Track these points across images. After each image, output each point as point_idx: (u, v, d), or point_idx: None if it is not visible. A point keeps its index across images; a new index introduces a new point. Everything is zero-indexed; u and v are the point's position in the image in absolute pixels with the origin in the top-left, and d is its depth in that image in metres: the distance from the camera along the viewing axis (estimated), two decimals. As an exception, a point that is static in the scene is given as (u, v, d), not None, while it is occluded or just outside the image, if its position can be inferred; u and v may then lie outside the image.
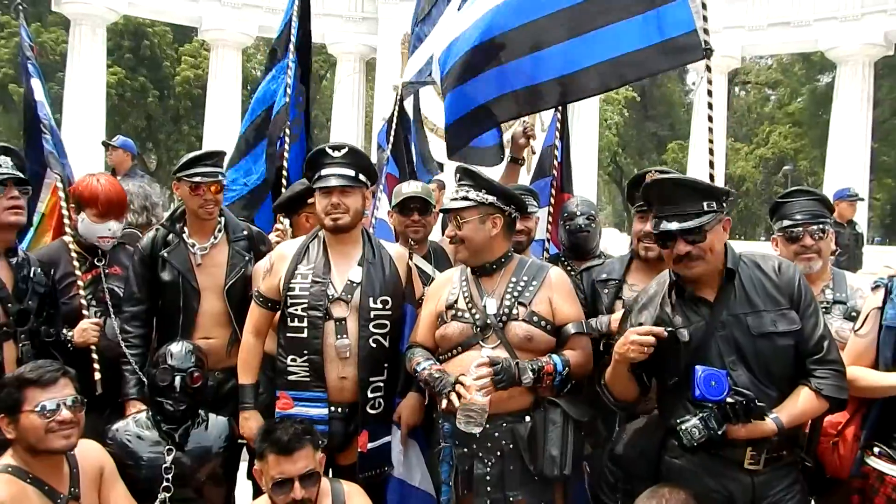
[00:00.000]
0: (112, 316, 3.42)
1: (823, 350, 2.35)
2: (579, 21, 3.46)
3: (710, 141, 3.28)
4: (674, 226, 2.36)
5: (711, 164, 3.26)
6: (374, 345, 2.92)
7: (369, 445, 2.89)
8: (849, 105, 16.04)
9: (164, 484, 2.83)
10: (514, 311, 2.72)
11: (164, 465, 2.86)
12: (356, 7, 15.35)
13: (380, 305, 2.94)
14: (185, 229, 3.46)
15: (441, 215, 3.54)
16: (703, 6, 3.16)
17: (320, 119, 29.66)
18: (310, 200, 3.44)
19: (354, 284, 2.96)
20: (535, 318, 2.72)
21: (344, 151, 3.01)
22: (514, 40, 3.65)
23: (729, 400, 2.22)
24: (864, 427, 2.49)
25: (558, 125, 4.25)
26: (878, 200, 26.37)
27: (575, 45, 3.47)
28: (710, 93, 3.31)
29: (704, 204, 2.36)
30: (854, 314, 2.84)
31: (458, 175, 2.89)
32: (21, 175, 3.09)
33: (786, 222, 3.05)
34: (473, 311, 2.76)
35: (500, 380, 2.54)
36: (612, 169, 30.96)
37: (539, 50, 3.58)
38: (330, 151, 3.02)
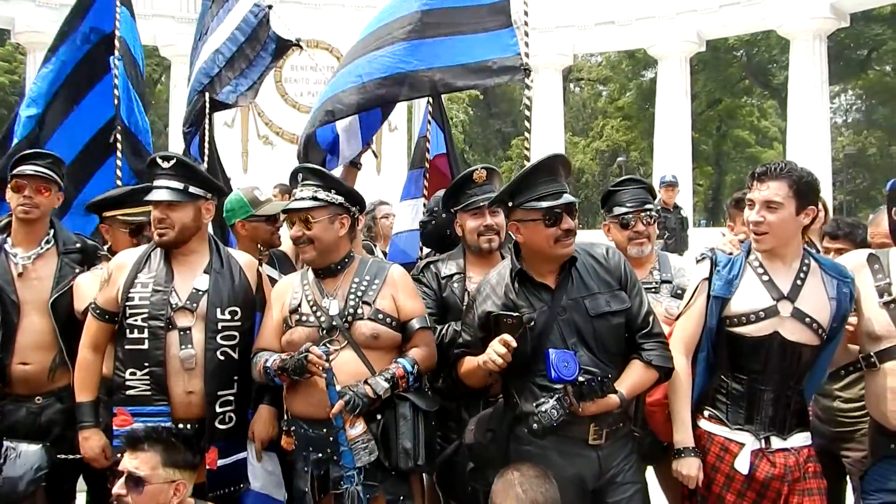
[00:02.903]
0: None
1: (650, 325, 2.57)
2: (421, 28, 3.68)
3: (527, 149, 3.80)
4: (567, 199, 2.49)
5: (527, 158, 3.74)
6: (221, 357, 2.81)
7: (220, 462, 2.77)
8: (670, 98, 17.34)
9: None
10: (360, 311, 2.73)
11: None
12: (188, 7, 14.67)
13: (228, 316, 2.85)
14: (9, 239, 3.21)
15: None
16: (526, 34, 3.61)
17: (157, 126, 28.10)
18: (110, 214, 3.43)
19: (200, 293, 2.85)
20: (381, 316, 2.75)
21: (172, 163, 2.88)
22: (366, 42, 3.81)
23: (580, 379, 2.33)
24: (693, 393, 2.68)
25: (430, 117, 4.37)
26: (700, 186, 28.74)
27: (412, 47, 3.66)
28: (528, 108, 3.86)
29: (566, 185, 2.55)
30: (679, 292, 3.10)
31: (301, 175, 2.86)
32: None
33: (618, 209, 3.28)
34: (318, 313, 2.74)
35: (355, 406, 2.55)
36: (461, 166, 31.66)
37: (381, 48, 3.74)
38: (160, 161, 2.89)
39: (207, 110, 4.40)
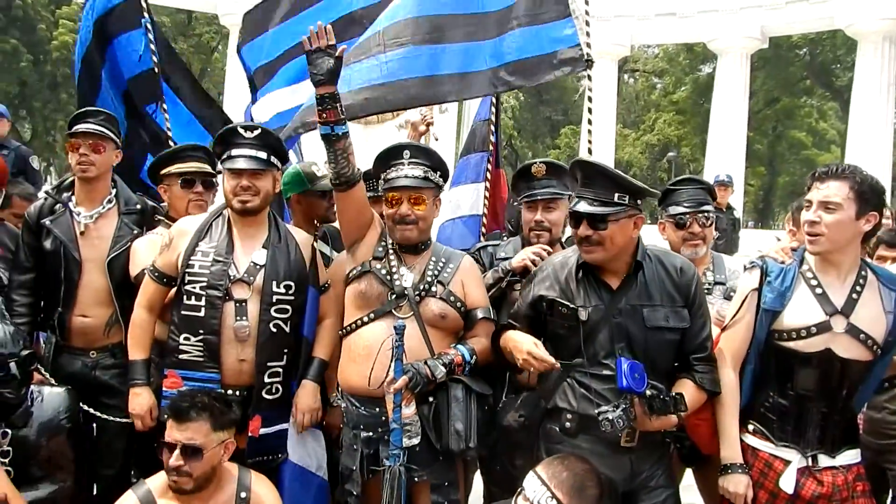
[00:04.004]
0: None
1: (707, 350, 2.54)
2: (477, 28, 3.61)
3: (590, 142, 3.68)
4: (582, 207, 2.47)
5: (590, 152, 3.64)
6: (274, 329, 2.85)
7: (262, 431, 2.82)
8: (727, 95, 16.99)
9: (5, 467, 2.69)
10: (434, 288, 2.77)
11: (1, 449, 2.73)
12: (250, -24, 14.81)
13: (283, 290, 2.87)
14: (73, 198, 3.29)
15: None
16: (587, 24, 3.49)
17: (212, 93, 28.55)
18: (166, 171, 3.41)
19: (258, 267, 2.88)
20: (452, 298, 2.79)
21: (256, 133, 2.92)
22: (414, 28, 3.67)
23: (648, 392, 2.30)
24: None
25: (493, 99, 4.32)
26: (752, 187, 28.15)
27: (471, 48, 3.60)
28: (590, 99, 3.73)
29: (616, 195, 2.45)
30: (732, 294, 3.03)
31: (409, 152, 2.87)
32: None
33: (675, 209, 3.23)
34: (395, 276, 2.78)
35: (416, 384, 2.56)
36: (507, 152, 31.53)
37: (438, 44, 3.65)
38: (242, 131, 2.91)
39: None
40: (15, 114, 22.56)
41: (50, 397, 2.92)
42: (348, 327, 2.83)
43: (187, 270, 2.86)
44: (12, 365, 2.71)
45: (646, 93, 33.09)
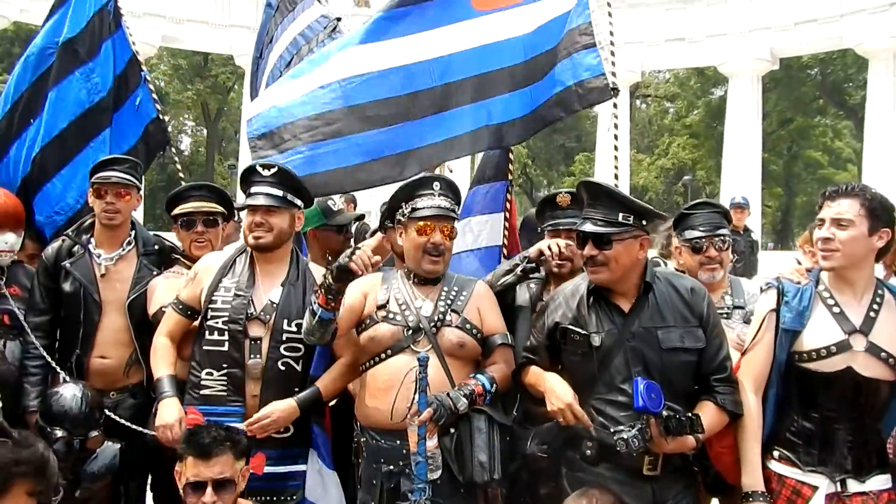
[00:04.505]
0: (13, 339, 3.26)
1: (727, 371, 2.50)
2: (512, 80, 3.63)
3: (616, 167, 3.61)
4: (587, 227, 2.48)
5: (616, 178, 3.56)
6: (282, 367, 2.85)
7: (269, 469, 2.74)
8: (740, 117, 16.98)
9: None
10: (448, 318, 2.77)
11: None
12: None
13: (294, 328, 2.86)
14: (93, 240, 3.34)
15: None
16: (612, 53, 3.46)
17: (228, 131, 29.00)
18: (173, 212, 3.47)
19: (273, 305, 2.90)
20: (468, 326, 2.78)
21: (273, 171, 2.97)
22: (455, 90, 3.69)
23: (664, 413, 2.28)
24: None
25: None
26: (769, 208, 27.96)
27: (508, 99, 3.62)
28: (616, 126, 3.73)
29: (621, 216, 2.46)
30: (752, 317, 3.01)
31: (438, 184, 2.91)
32: None
33: (691, 233, 3.21)
34: (406, 312, 2.77)
35: (440, 416, 2.55)
36: (522, 180, 31.62)
37: (475, 102, 3.68)
38: (260, 170, 2.97)
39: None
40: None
41: (105, 452, 2.93)
42: (366, 364, 2.81)
43: (210, 305, 2.90)
44: (75, 443, 2.77)
45: (658, 117, 33.14)
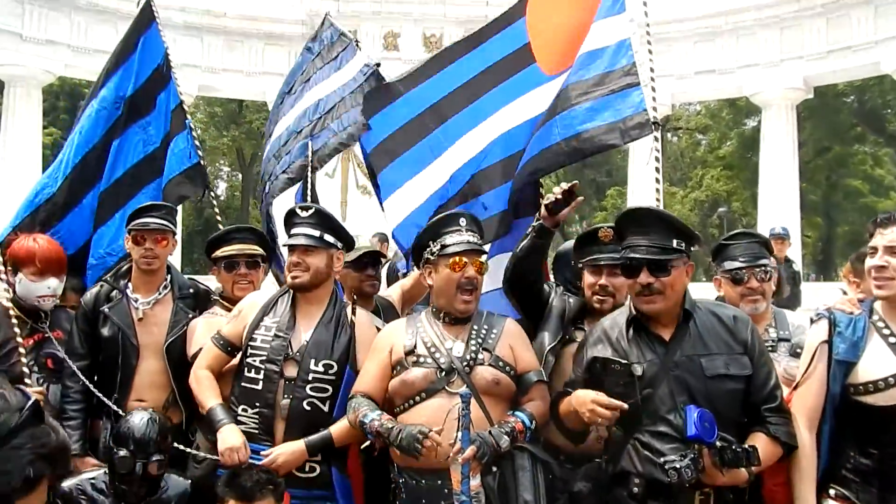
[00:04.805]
0: (55, 382, 3.32)
1: (778, 400, 2.42)
2: (553, 105, 3.68)
3: (658, 200, 3.60)
4: (643, 254, 2.43)
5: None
6: (308, 407, 2.86)
7: None
8: (775, 147, 16.74)
9: None
10: (480, 357, 2.74)
11: None
12: (297, 64, 15.44)
13: (321, 369, 2.88)
14: (130, 285, 3.40)
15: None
16: (653, 89, 3.58)
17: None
18: (214, 254, 3.56)
19: (307, 345, 2.92)
20: (501, 364, 2.75)
21: (310, 212, 3.04)
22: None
23: (718, 443, 2.21)
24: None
25: None
26: (809, 238, 27.40)
27: (550, 125, 3.65)
28: (657, 159, 3.68)
29: (675, 241, 2.43)
30: (798, 351, 2.91)
31: (465, 220, 2.93)
32: None
33: (731, 264, 3.14)
34: (437, 355, 2.75)
35: (483, 454, 2.51)
36: (554, 215, 31.47)
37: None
38: (299, 211, 3.05)
39: (310, 161, 4.55)
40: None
41: (175, 485, 2.95)
42: (400, 408, 2.78)
43: (250, 343, 2.94)
44: (139, 466, 2.77)
45: (690, 150, 32.88)
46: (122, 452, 2.80)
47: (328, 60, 4.78)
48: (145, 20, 4.71)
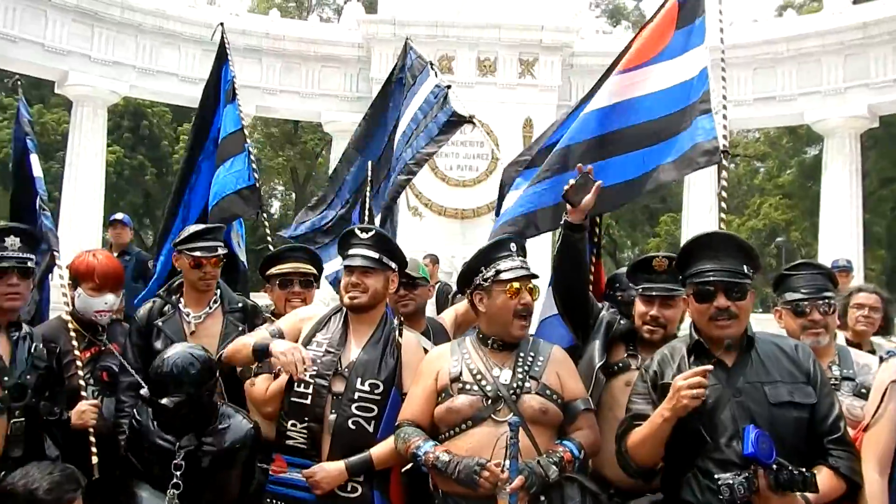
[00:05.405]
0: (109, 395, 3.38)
1: (840, 431, 2.33)
2: (627, 142, 3.73)
3: (723, 228, 3.53)
4: (722, 277, 2.37)
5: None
6: (352, 426, 2.85)
7: None
8: (838, 177, 16.25)
9: (174, 480, 2.76)
10: (527, 385, 2.69)
11: (173, 462, 2.78)
12: (351, 87, 15.68)
13: (367, 388, 2.88)
14: (181, 299, 3.48)
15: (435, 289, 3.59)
16: (724, 117, 3.56)
17: (316, 194, 29.99)
18: (268, 272, 3.68)
19: (355, 364, 2.95)
20: (548, 392, 2.71)
21: (370, 234, 3.08)
22: (574, 153, 3.80)
23: (775, 466, 2.15)
24: None
25: None
26: (872, 271, 26.44)
27: (629, 158, 3.71)
28: (724, 189, 3.66)
29: (745, 266, 2.41)
30: (864, 390, 2.80)
31: (514, 245, 2.92)
32: (28, 258, 3.07)
33: (792, 295, 3.04)
34: (483, 382, 2.71)
35: (532, 484, 2.47)
36: (605, 241, 31.11)
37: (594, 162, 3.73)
38: (358, 233, 3.10)
39: (370, 183, 4.62)
40: (140, 223, 24.32)
41: (235, 427, 2.94)
42: (445, 435, 2.75)
43: None
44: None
45: (748, 177, 32.20)
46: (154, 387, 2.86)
47: (410, 86, 4.90)
48: (222, 52, 5.06)
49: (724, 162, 3.56)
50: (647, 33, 3.88)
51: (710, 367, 2.33)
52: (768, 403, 2.34)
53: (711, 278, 2.41)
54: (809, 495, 2.17)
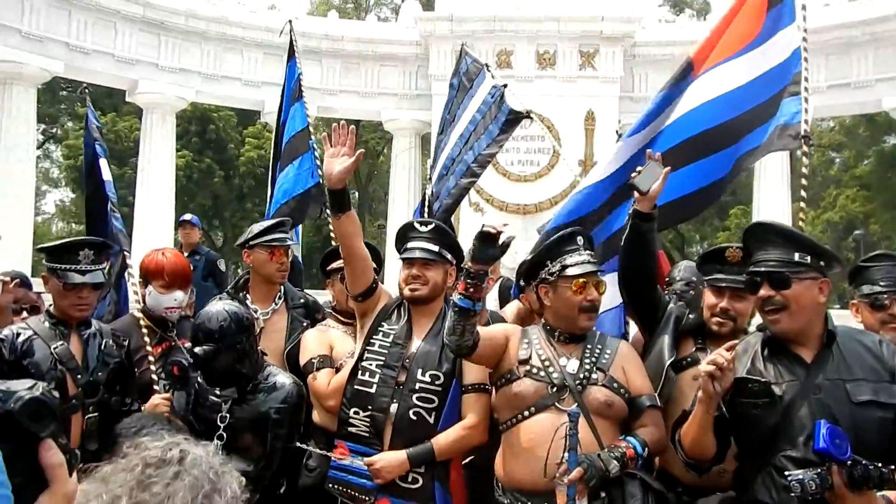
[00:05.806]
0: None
1: None
2: (719, 139, 3.62)
3: (802, 220, 3.60)
4: (761, 269, 2.31)
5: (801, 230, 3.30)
6: (413, 417, 2.87)
7: None
8: (920, 165, 15.52)
9: (219, 432, 2.85)
10: (594, 376, 2.65)
11: (219, 415, 2.89)
12: (410, 85, 15.78)
13: (427, 379, 2.90)
14: (248, 296, 3.56)
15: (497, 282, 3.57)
16: (806, 100, 3.43)
17: (378, 193, 30.26)
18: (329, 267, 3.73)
19: (415, 354, 2.98)
20: (615, 385, 2.67)
21: (430, 227, 3.11)
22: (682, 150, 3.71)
23: (849, 462, 2.03)
24: None
25: None
26: (957, 263, 25.12)
27: (717, 158, 3.63)
28: (805, 177, 3.54)
29: (797, 255, 2.29)
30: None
31: (581, 239, 2.89)
32: (101, 268, 3.17)
33: (870, 288, 2.90)
34: (550, 369, 2.68)
35: (591, 477, 2.42)
36: (673, 235, 30.48)
37: (703, 158, 3.70)
38: (418, 226, 3.13)
39: (430, 189, 4.66)
40: (209, 224, 25.04)
41: (279, 383, 3.01)
42: (507, 423, 2.72)
43: (367, 347, 3.02)
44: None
45: (823, 168, 31.00)
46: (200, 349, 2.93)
47: (467, 90, 4.92)
48: (290, 53, 5.23)
49: (805, 148, 3.43)
50: (736, 20, 3.72)
51: (736, 341, 2.27)
52: (850, 402, 2.22)
53: (753, 269, 2.35)
54: (890, 494, 2.05)
